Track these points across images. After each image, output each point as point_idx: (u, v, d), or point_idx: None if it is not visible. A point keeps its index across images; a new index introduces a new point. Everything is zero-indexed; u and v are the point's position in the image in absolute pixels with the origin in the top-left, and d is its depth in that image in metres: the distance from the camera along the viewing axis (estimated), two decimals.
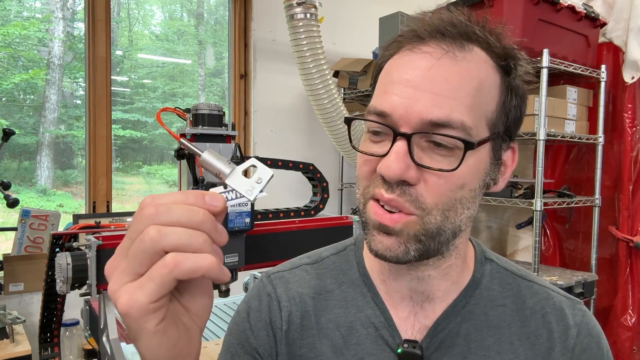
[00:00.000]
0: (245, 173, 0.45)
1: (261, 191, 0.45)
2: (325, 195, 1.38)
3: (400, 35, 0.57)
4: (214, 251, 0.39)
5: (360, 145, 0.56)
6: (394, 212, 0.52)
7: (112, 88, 2.31)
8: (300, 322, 0.64)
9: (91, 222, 1.15)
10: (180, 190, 1.11)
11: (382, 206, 0.53)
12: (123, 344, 1.08)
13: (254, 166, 0.45)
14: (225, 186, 0.44)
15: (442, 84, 0.50)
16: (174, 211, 0.38)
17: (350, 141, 0.58)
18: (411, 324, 0.61)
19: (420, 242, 0.53)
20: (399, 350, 0.58)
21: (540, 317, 0.61)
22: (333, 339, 0.62)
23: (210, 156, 0.45)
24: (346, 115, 0.58)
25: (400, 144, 0.50)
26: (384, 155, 0.51)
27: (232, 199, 0.44)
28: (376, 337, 0.60)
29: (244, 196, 0.44)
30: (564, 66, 2.10)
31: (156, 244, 0.37)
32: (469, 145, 0.50)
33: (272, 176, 0.45)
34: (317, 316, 0.64)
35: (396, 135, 0.51)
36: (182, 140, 0.48)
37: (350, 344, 0.61)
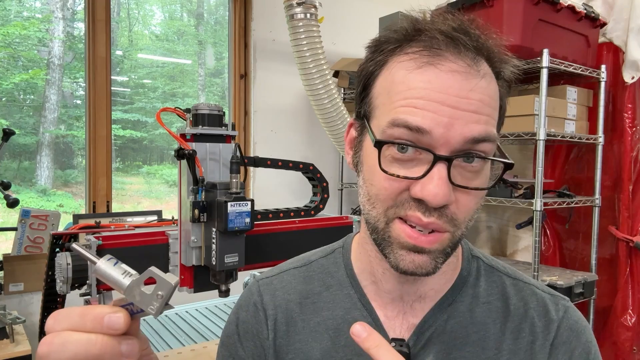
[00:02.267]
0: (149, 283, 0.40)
1: (166, 304, 0.40)
2: (325, 195, 1.38)
3: (403, 38, 0.54)
4: None
5: (382, 163, 0.52)
6: (428, 233, 0.52)
7: (112, 88, 2.31)
8: (286, 328, 0.65)
9: (91, 222, 1.15)
10: (180, 191, 1.11)
11: (413, 226, 0.52)
12: None
13: (153, 279, 0.40)
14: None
15: (477, 104, 0.50)
16: (68, 346, 0.37)
17: (380, 165, 0.52)
18: (399, 323, 0.61)
19: (447, 255, 0.54)
20: None
21: (523, 312, 0.62)
22: (322, 342, 0.62)
23: (105, 267, 0.41)
24: (378, 139, 0.52)
25: (442, 168, 0.49)
26: (419, 178, 0.50)
27: (136, 312, 0.40)
28: None
29: (146, 312, 0.40)
30: (564, 66, 2.10)
31: None
32: (508, 166, 0.53)
33: (177, 285, 0.40)
34: (304, 321, 0.65)
35: (437, 158, 0.49)
36: (74, 245, 0.43)
37: (339, 345, 0.61)
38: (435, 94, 0.50)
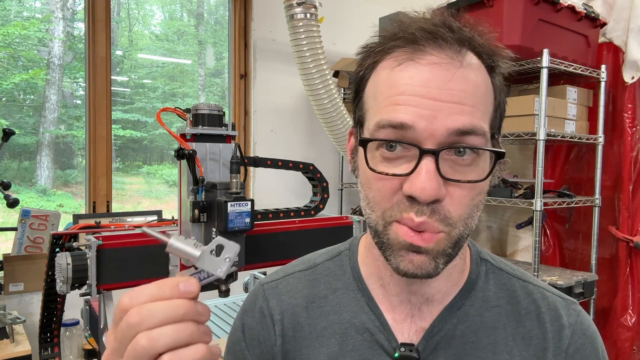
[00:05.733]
0: (215, 250, 0.47)
1: (232, 267, 0.48)
2: (325, 195, 1.38)
3: (387, 36, 0.54)
4: (202, 334, 0.42)
5: (371, 164, 0.53)
6: (423, 232, 0.51)
7: (112, 88, 2.31)
8: (292, 334, 0.64)
9: (91, 222, 1.15)
10: (180, 191, 1.11)
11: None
12: None
13: (221, 245, 0.47)
14: (196, 267, 0.47)
15: (460, 94, 0.49)
16: (156, 313, 0.40)
17: (367, 163, 0.52)
18: (407, 327, 0.60)
19: (447, 255, 0.52)
20: (396, 355, 0.58)
21: (534, 317, 0.61)
22: (329, 346, 0.61)
23: (178, 242, 0.46)
24: (361, 137, 0.53)
25: (429, 162, 0.49)
26: (408, 174, 0.49)
27: (204, 279, 0.46)
28: (372, 342, 0.60)
29: (215, 275, 0.47)
30: (564, 66, 2.10)
31: (149, 351, 0.39)
32: (500, 155, 0.51)
33: (239, 249, 0.48)
34: (311, 325, 0.64)
35: (423, 152, 0.49)
36: (144, 229, 0.47)
37: (346, 350, 0.60)
38: (416, 88, 0.50)
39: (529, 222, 2.46)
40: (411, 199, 0.49)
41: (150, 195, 3.30)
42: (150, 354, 0.39)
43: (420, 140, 0.49)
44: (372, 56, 0.55)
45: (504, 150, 0.52)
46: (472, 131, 0.49)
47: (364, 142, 0.53)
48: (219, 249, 0.47)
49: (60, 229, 2.01)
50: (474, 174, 0.51)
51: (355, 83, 0.58)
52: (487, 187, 0.54)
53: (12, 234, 1.95)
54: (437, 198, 0.49)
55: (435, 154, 0.49)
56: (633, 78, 2.26)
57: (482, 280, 0.63)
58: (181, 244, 0.46)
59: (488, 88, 0.53)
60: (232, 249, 0.47)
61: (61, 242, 1.10)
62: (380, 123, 0.51)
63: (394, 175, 0.51)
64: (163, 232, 0.47)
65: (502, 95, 0.56)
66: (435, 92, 0.49)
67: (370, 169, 0.52)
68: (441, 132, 0.49)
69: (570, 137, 2.19)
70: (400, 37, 0.52)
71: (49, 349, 1.30)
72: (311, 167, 1.35)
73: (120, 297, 0.42)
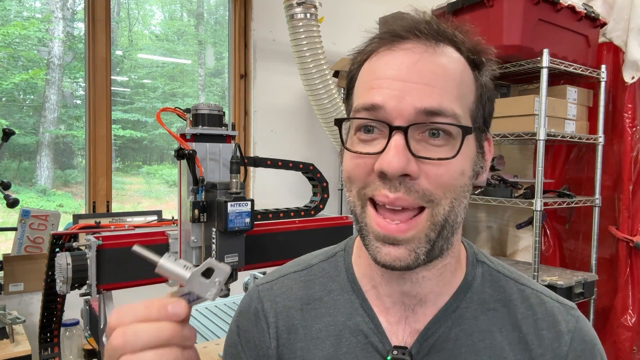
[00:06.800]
0: (206, 273, 0.47)
1: (221, 289, 0.48)
2: (325, 195, 1.38)
3: (374, 37, 0.57)
4: (187, 359, 0.42)
5: (349, 146, 0.55)
6: (397, 224, 0.51)
7: (112, 88, 2.31)
8: (287, 336, 0.64)
9: (91, 222, 1.15)
10: (180, 191, 1.11)
11: (383, 208, 0.52)
12: None
13: (211, 268, 0.47)
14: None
15: (429, 76, 0.51)
16: (140, 336, 0.41)
17: (343, 142, 0.56)
18: (402, 329, 0.60)
19: (429, 242, 0.52)
20: (389, 358, 0.57)
21: (532, 322, 0.60)
22: (324, 348, 0.61)
23: (168, 263, 0.46)
24: (336, 118, 0.57)
25: (398, 138, 0.50)
26: (380, 152, 0.51)
27: (193, 300, 0.46)
28: (366, 345, 0.60)
29: (204, 298, 0.46)
30: (564, 66, 2.10)
31: None
32: (467, 130, 0.52)
33: (230, 271, 0.47)
34: (305, 327, 0.64)
35: (392, 129, 0.51)
36: (135, 249, 0.47)
37: (340, 352, 0.60)
38: (389, 71, 0.53)
39: (529, 222, 2.46)
40: (383, 175, 0.51)
41: (150, 195, 3.30)
42: None
43: (391, 119, 0.51)
44: (360, 55, 0.58)
45: (469, 126, 0.53)
46: (440, 112, 0.51)
47: (338, 122, 0.56)
48: (209, 272, 0.47)
49: (60, 229, 2.01)
50: (448, 153, 0.52)
51: (346, 83, 0.61)
52: (471, 172, 0.55)
53: (12, 234, 1.95)
54: (405, 172, 0.50)
55: (404, 130, 0.50)
56: (633, 78, 2.26)
57: (478, 282, 0.62)
58: (171, 265, 0.46)
59: (465, 77, 0.55)
60: (222, 272, 0.47)
61: (61, 242, 1.10)
62: (356, 107, 0.54)
63: (367, 154, 0.53)
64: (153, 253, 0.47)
65: (486, 91, 0.57)
66: (404, 73, 0.52)
67: (346, 148, 0.55)
68: (409, 112, 0.51)
69: (570, 137, 2.19)
70: (384, 34, 0.56)
71: (49, 349, 1.30)
72: (311, 167, 1.35)
73: (109, 316, 0.43)
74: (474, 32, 0.57)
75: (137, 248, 0.47)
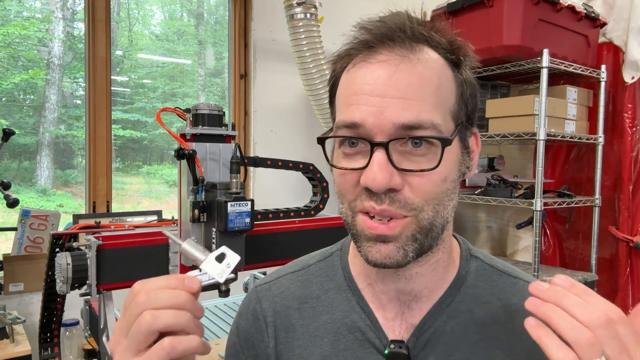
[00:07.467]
0: (219, 258, 0.56)
1: (231, 273, 0.55)
2: (325, 195, 1.38)
3: (348, 47, 0.58)
4: (197, 326, 0.49)
5: (335, 161, 0.57)
6: (387, 221, 0.53)
7: (112, 88, 2.31)
8: (285, 335, 0.65)
9: (91, 222, 1.15)
10: (180, 191, 1.11)
11: (373, 217, 0.54)
12: None
13: (224, 254, 0.55)
14: (200, 269, 0.55)
15: (406, 89, 0.52)
16: (161, 296, 0.48)
17: (328, 160, 0.58)
18: (398, 324, 0.61)
19: (416, 241, 0.54)
20: (386, 352, 0.59)
21: (525, 313, 0.61)
22: (322, 346, 0.63)
23: (189, 246, 0.57)
24: (318, 137, 0.59)
25: (380, 154, 0.51)
26: (364, 168, 0.52)
27: (205, 281, 0.54)
28: (363, 341, 0.61)
29: (215, 279, 0.54)
30: (564, 66, 2.10)
31: (151, 326, 0.46)
32: (445, 142, 0.52)
33: (240, 260, 0.55)
34: (303, 326, 0.65)
35: (373, 145, 0.52)
36: (163, 230, 0.54)
37: (339, 349, 0.62)
38: (365, 86, 0.53)
39: (529, 222, 2.46)
40: (368, 189, 0.52)
41: (150, 195, 3.30)
42: (152, 330, 0.46)
43: (371, 135, 0.52)
44: (338, 62, 0.60)
45: (448, 137, 0.53)
46: (418, 125, 0.51)
47: (320, 140, 0.58)
48: (223, 257, 0.55)
49: (60, 229, 2.01)
50: (430, 163, 0.53)
51: (329, 88, 0.62)
52: (455, 175, 0.56)
53: (12, 234, 1.95)
54: (389, 187, 0.51)
55: (384, 146, 0.51)
56: (633, 78, 2.26)
57: (472, 276, 0.64)
58: (191, 248, 0.56)
59: (444, 80, 0.55)
60: (234, 258, 0.55)
61: (61, 242, 1.10)
62: (338, 124, 0.55)
63: (352, 169, 0.54)
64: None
65: (467, 88, 0.57)
66: (381, 88, 0.52)
67: (331, 165, 0.57)
68: (388, 127, 0.51)
69: (570, 137, 2.19)
70: (357, 42, 0.57)
71: (49, 349, 1.30)
72: (311, 167, 1.34)
73: (133, 285, 0.50)
74: (449, 30, 0.57)
75: (165, 230, 0.59)
